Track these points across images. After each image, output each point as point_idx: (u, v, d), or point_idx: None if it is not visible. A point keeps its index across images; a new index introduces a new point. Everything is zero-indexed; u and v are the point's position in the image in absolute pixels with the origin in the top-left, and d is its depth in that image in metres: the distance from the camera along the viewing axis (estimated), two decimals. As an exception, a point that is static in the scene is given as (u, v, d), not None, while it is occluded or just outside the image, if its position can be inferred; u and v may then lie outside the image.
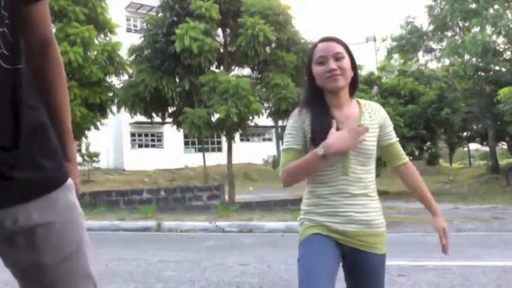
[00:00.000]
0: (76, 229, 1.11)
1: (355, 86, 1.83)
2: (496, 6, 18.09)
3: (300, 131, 1.78)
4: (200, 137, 12.50)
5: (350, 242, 1.75)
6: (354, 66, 1.80)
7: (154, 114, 13.63)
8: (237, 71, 14.05)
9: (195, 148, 27.65)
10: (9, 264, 1.07)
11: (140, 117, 14.60)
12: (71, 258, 1.07)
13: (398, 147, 1.89)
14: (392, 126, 1.91)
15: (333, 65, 1.72)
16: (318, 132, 1.71)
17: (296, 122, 1.80)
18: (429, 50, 25.93)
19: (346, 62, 1.75)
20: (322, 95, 1.80)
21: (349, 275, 1.83)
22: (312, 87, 1.82)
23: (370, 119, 1.80)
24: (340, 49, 1.76)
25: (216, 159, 22.50)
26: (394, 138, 1.87)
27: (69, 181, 1.11)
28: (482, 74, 18.06)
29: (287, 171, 1.74)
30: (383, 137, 1.84)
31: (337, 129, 1.69)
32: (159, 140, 28.15)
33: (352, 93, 1.84)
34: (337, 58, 1.74)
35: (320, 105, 1.78)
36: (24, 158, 0.98)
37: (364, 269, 1.78)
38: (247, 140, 28.57)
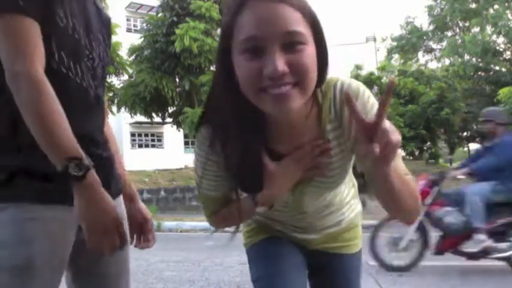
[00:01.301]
0: (127, 227, 1.32)
1: (321, 80, 0.94)
2: (496, 6, 18.10)
3: (213, 173, 1.09)
4: None
5: (314, 246, 1.34)
6: (323, 51, 0.92)
7: (154, 114, 13.64)
8: (237, 71, 14.06)
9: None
10: (78, 247, 1.17)
11: (140, 117, 14.62)
12: (125, 250, 1.26)
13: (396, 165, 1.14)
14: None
15: (279, 63, 0.83)
16: (245, 181, 1.06)
17: (209, 163, 1.08)
18: (429, 50, 25.95)
19: (307, 53, 0.87)
20: (255, 113, 0.95)
21: (312, 278, 1.39)
22: (231, 97, 0.95)
23: (336, 142, 1.05)
24: (294, 24, 0.85)
25: (216, 159, 22.47)
26: None
27: None
28: (482, 74, 18.08)
29: (214, 220, 1.18)
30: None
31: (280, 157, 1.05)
32: (159, 140, 28.15)
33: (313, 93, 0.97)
34: (290, 44, 0.85)
35: (247, 135, 0.99)
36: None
37: (332, 271, 1.37)
38: (247, 140, 28.59)
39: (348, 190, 1.29)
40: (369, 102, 1.00)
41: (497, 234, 4.25)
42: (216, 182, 1.10)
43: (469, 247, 4.28)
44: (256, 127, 1.00)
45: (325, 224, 1.28)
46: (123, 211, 1.30)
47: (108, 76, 12.87)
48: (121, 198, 1.31)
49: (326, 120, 1.02)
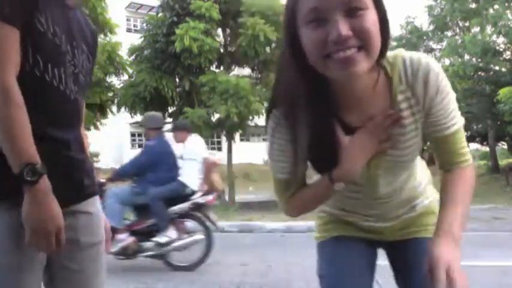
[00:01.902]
0: (101, 227, 1.39)
1: (384, 50, 0.97)
2: (496, 6, 18.09)
3: (288, 153, 1.09)
4: (200, 137, 12.49)
5: (388, 236, 1.32)
6: (383, 17, 0.93)
7: (154, 114, 13.64)
8: (237, 71, 14.05)
9: (195, 148, 27.63)
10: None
11: (140, 117, 14.60)
12: (98, 246, 1.35)
13: (456, 141, 1.11)
14: (452, 101, 1.07)
15: (342, 28, 0.87)
16: (320, 158, 1.08)
17: (279, 142, 1.09)
18: (429, 50, 25.92)
19: (369, 17, 0.90)
20: (323, 84, 1.00)
21: (395, 269, 1.36)
22: (299, 70, 0.99)
23: (409, 112, 1.06)
24: None
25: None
26: (448, 129, 1.08)
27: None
28: (482, 74, 18.06)
29: (291, 206, 1.20)
30: (430, 125, 1.08)
31: (352, 131, 1.06)
32: (159, 140, 28.15)
33: (379, 62, 1.00)
34: (351, 11, 0.89)
35: (318, 106, 1.02)
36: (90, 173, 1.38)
37: (412, 255, 1.29)
38: (247, 140, 28.56)
39: (420, 177, 1.28)
40: (435, 78, 1.02)
41: (144, 235, 4.54)
42: (289, 164, 1.12)
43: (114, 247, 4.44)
44: (325, 99, 1.02)
45: (397, 212, 1.27)
46: (98, 211, 1.38)
47: (108, 76, 12.88)
48: (97, 198, 1.40)
49: (397, 90, 1.04)
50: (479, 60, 17.39)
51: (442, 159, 1.15)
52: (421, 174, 1.31)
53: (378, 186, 1.17)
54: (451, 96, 1.07)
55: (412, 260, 1.27)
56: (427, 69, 1.02)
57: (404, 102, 1.05)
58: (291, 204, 1.19)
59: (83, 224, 1.30)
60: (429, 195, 1.33)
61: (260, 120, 13.15)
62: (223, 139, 17.55)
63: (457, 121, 1.10)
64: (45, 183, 1.11)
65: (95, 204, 1.37)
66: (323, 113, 1.03)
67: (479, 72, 17.99)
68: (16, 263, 1.13)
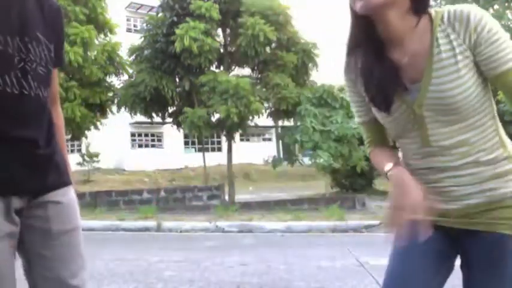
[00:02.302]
0: (75, 215, 1.46)
1: None
2: (496, 6, 18.09)
3: (356, 95, 1.30)
4: (200, 137, 12.52)
5: (457, 222, 1.22)
6: None
7: (154, 114, 13.63)
8: (237, 71, 14.05)
9: (195, 148, 27.64)
10: (25, 235, 1.35)
11: (140, 117, 14.61)
12: (71, 233, 1.42)
13: None
14: (506, 40, 1.09)
15: None
16: (374, 91, 1.21)
17: (349, 83, 1.30)
18: (429, 50, 25.95)
19: None
20: (371, 28, 1.18)
21: (465, 270, 1.28)
22: (353, 18, 1.21)
23: (449, 46, 1.13)
24: None
25: (216, 159, 22.47)
26: (505, 64, 1.08)
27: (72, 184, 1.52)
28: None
29: (370, 154, 1.36)
30: (483, 65, 1.11)
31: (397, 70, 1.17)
32: (159, 140, 28.15)
33: (419, 9, 1.14)
34: None
35: (369, 45, 1.20)
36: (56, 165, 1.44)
37: (478, 255, 1.21)
38: (247, 140, 28.57)
39: (483, 138, 1.17)
40: (476, 21, 1.09)
41: None
42: (361, 107, 1.31)
43: None
44: (373, 40, 1.19)
45: (466, 188, 1.18)
46: (69, 200, 1.45)
47: (108, 76, 12.88)
48: (69, 188, 1.47)
49: (436, 30, 1.13)
50: (479, 60, 17.40)
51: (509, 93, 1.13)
52: (498, 146, 1.19)
53: (427, 130, 1.17)
54: (502, 35, 1.09)
55: (488, 256, 1.19)
56: (468, 11, 1.10)
57: (444, 39, 1.13)
58: (370, 153, 1.36)
59: (53, 214, 1.38)
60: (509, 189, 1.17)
61: (260, 120, 13.16)
62: (223, 139, 17.55)
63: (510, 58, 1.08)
64: None
65: (66, 194, 1.44)
66: (371, 51, 1.19)
67: (479, 72, 18.00)
68: None
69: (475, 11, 1.10)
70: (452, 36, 1.12)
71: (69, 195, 1.46)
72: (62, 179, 1.44)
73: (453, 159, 1.17)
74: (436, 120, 1.16)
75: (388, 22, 1.13)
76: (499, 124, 1.23)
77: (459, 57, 1.11)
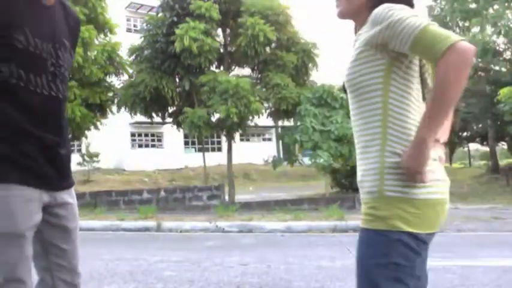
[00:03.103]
0: (77, 213, 1.67)
1: (373, 3, 1.34)
2: (496, 6, 18.08)
3: None
4: (200, 137, 12.51)
5: None
6: None
7: (154, 114, 13.64)
8: (237, 71, 14.05)
9: (195, 148, 27.64)
10: (45, 227, 1.52)
11: (140, 117, 14.61)
12: (77, 228, 1.65)
13: (427, 40, 1.19)
14: (399, 21, 1.23)
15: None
16: None
17: None
18: (429, 50, 25.89)
19: None
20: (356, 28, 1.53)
21: None
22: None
23: (357, 41, 1.37)
24: None
25: (216, 159, 22.48)
26: (408, 42, 1.21)
27: None
28: (482, 74, 18.06)
29: None
30: (390, 45, 1.25)
31: None
32: (159, 140, 28.14)
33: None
34: None
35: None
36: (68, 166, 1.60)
37: None
38: (247, 140, 28.56)
39: (364, 129, 1.32)
40: (377, 14, 1.27)
41: None
42: None
43: None
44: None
45: (359, 167, 1.37)
46: (75, 199, 1.63)
47: (108, 76, 12.89)
48: (73, 189, 1.65)
49: (362, 26, 1.36)
50: (479, 60, 17.39)
51: (430, 61, 1.29)
52: (369, 134, 1.32)
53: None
54: (395, 19, 1.23)
55: None
56: (371, 18, 1.29)
57: (361, 34, 1.34)
58: None
59: (69, 213, 1.59)
60: (367, 168, 1.31)
61: (260, 120, 13.15)
62: (223, 139, 17.56)
63: (413, 31, 1.20)
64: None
65: (73, 195, 1.64)
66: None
67: (479, 72, 17.99)
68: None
69: (378, 8, 1.28)
70: (361, 35, 1.37)
71: (74, 194, 1.65)
72: (72, 179, 1.62)
73: (356, 141, 1.40)
74: (349, 94, 1.38)
75: (357, 25, 1.41)
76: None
77: (359, 45, 1.37)
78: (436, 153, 1.31)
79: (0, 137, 1.36)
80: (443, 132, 1.37)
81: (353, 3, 1.37)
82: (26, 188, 1.39)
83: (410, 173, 1.22)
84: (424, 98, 1.32)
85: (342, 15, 1.40)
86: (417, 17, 1.23)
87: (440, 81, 1.16)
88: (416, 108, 1.29)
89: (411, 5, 1.33)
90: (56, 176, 1.48)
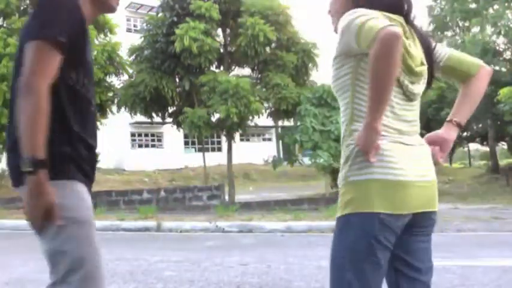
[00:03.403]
0: None
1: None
2: (496, 6, 18.09)
3: None
4: (200, 137, 12.52)
5: None
6: None
7: (154, 114, 13.64)
8: (237, 71, 14.06)
9: (195, 148, 27.64)
10: None
11: (140, 117, 14.62)
12: None
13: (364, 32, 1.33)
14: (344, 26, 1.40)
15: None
16: None
17: None
18: (429, 50, 25.87)
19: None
20: None
21: None
22: None
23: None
24: None
25: (216, 159, 22.48)
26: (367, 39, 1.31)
27: None
28: (482, 74, 18.00)
29: None
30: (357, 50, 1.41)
31: None
32: (159, 140, 28.14)
33: None
34: None
35: None
36: None
37: None
38: (247, 140, 28.56)
39: (344, 122, 1.46)
40: (340, 25, 1.40)
41: None
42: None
43: None
44: None
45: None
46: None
47: (108, 76, 12.89)
48: None
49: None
50: (479, 60, 17.39)
51: None
52: (345, 130, 1.46)
53: None
54: (346, 23, 1.35)
55: None
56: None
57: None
58: None
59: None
60: (347, 155, 1.42)
61: (260, 120, 13.16)
62: (223, 139, 17.55)
63: (354, 30, 1.33)
64: (43, 175, 1.35)
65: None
66: None
67: (479, 72, 17.95)
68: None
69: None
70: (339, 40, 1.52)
71: None
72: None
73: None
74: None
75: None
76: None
77: (338, 63, 1.49)
78: (416, 139, 1.53)
79: (67, 140, 1.48)
80: (463, 117, 1.57)
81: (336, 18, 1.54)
82: (84, 187, 1.55)
83: (363, 152, 1.35)
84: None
85: (337, 30, 1.48)
86: (365, 15, 1.32)
87: (371, 71, 1.28)
88: None
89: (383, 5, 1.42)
90: (93, 176, 1.64)
